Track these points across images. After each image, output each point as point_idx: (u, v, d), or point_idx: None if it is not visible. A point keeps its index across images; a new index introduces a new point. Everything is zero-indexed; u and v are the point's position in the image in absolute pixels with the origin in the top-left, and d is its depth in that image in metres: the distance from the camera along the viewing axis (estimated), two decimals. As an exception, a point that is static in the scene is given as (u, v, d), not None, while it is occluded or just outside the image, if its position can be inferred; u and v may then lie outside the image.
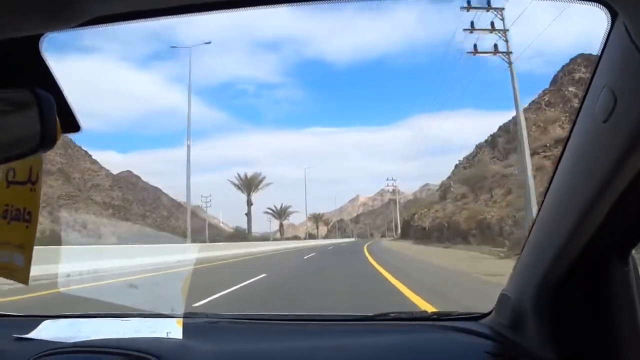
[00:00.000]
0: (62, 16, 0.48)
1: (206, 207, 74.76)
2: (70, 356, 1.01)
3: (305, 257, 20.13)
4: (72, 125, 0.61)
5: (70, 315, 1.34)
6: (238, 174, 59.15)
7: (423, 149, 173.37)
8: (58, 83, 0.59)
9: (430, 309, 4.84)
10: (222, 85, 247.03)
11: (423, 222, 45.45)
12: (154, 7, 0.55)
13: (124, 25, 0.57)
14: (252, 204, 54.49)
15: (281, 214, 70.46)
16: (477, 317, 1.18)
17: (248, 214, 53.85)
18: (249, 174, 57.26)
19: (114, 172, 72.04)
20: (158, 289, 2.11)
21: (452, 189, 47.20)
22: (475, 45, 17.04)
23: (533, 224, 0.90)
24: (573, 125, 0.71)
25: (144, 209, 74.39)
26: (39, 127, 0.49)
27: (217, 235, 61.24)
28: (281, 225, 70.34)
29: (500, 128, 62.78)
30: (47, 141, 0.50)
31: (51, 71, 0.58)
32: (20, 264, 0.71)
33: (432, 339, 1.11)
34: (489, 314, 1.15)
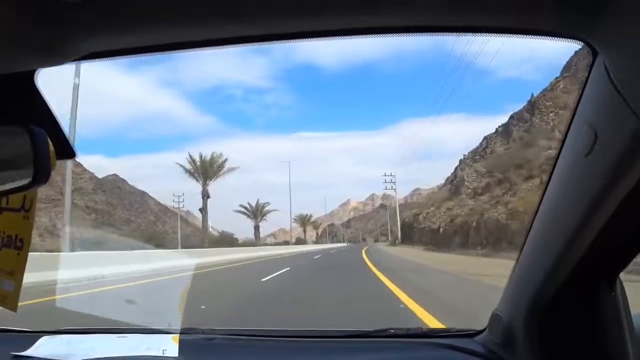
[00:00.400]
0: (55, 53, 0.49)
1: (179, 206, 64.94)
2: None
3: (263, 280, 10.95)
4: (66, 152, 0.62)
5: (68, 330, 1.35)
6: (190, 155, 41.47)
7: (412, 154, 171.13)
8: (53, 113, 0.59)
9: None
10: (212, 89, 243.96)
11: (432, 222, 36.89)
12: (147, 44, 0.55)
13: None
14: (209, 197, 38.95)
15: (257, 213, 57.10)
16: (472, 334, 1.18)
17: (203, 210, 38.25)
18: (206, 155, 40.33)
19: (100, 176, 69.97)
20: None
21: (466, 183, 38.74)
22: None
23: (522, 247, 0.92)
24: (557, 156, 0.73)
25: (129, 213, 72.52)
26: (32, 163, 0.51)
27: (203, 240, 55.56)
28: (257, 228, 57.42)
29: (512, 117, 55.75)
30: (40, 177, 0.51)
31: (47, 103, 0.59)
32: (10, 290, 0.72)
33: (427, 356, 1.14)
34: (483, 330, 1.15)
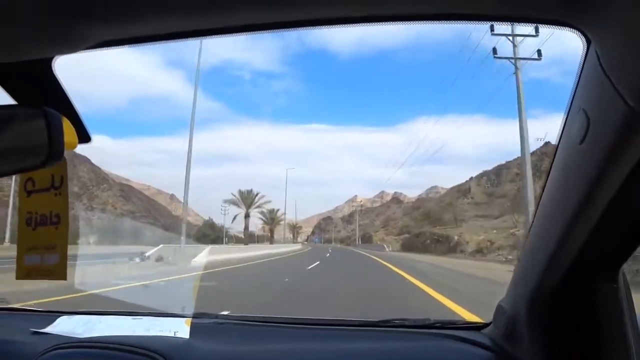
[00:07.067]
0: (67, 42, 0.52)
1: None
2: (81, 350, 1.06)
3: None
4: (83, 137, 0.66)
5: (86, 312, 1.39)
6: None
7: (425, 154, 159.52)
8: (70, 100, 0.63)
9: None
10: (218, 70, 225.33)
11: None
12: (159, 32, 0.56)
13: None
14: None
15: (247, 202, 53.56)
16: (480, 327, 1.19)
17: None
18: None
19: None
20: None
21: None
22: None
23: (527, 237, 0.92)
24: (557, 147, 0.73)
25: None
26: (47, 142, 0.54)
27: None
28: (247, 222, 55.41)
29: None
30: (53, 155, 0.55)
31: (63, 89, 0.62)
32: (52, 263, 0.77)
33: (433, 346, 1.14)
34: (490, 323, 1.14)
